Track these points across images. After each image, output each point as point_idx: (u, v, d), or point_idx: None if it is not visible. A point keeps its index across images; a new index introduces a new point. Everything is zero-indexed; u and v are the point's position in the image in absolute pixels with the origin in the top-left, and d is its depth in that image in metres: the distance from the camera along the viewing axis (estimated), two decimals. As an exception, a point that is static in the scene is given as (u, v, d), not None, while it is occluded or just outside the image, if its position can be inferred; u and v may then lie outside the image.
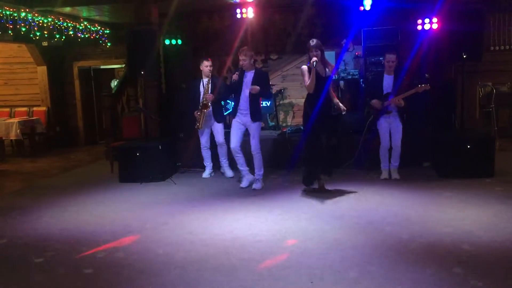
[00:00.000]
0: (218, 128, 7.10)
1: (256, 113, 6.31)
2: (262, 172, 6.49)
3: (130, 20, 8.48)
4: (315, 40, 5.71)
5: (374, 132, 6.72)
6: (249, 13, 8.50)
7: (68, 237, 4.77)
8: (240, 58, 6.26)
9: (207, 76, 6.96)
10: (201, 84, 7.00)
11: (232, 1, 8.63)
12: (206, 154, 7.22)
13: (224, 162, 7.23)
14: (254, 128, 6.34)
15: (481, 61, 6.89)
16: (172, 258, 4.09)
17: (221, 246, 4.31)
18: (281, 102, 9.70)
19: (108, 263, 4.05)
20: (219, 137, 7.09)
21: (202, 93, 6.95)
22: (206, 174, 7.27)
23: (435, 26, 7.88)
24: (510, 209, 4.99)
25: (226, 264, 3.91)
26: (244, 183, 6.56)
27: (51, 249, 4.43)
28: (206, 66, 6.94)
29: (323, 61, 5.76)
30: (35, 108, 11.16)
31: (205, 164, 7.28)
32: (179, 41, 9.01)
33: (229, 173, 7.21)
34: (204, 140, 7.14)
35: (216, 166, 7.39)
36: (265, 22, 9.75)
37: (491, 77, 8.99)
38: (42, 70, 11.15)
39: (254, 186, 6.45)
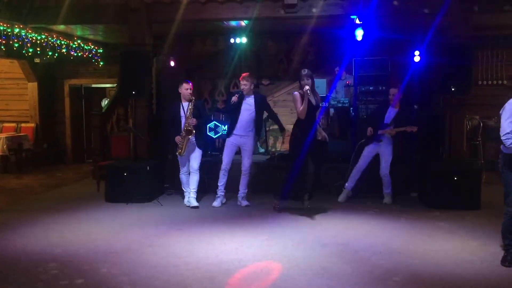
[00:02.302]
0: (197, 154, 6.74)
1: (258, 133, 7.01)
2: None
3: (124, 40, 8.50)
4: (306, 70, 6.15)
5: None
6: (243, 38, 8.61)
7: (50, 257, 4.67)
8: (242, 83, 6.62)
9: (187, 100, 6.64)
10: (181, 108, 6.67)
11: (226, 26, 8.73)
12: (186, 179, 6.87)
13: (193, 191, 6.78)
14: (250, 149, 6.75)
15: (469, 94, 7.03)
16: (156, 281, 4.02)
17: (205, 270, 4.25)
18: (271, 127, 9.74)
19: (90, 285, 3.97)
20: (195, 164, 6.72)
21: (183, 118, 6.63)
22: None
23: (425, 58, 8.03)
24: (495, 242, 4.99)
25: (210, 289, 3.86)
26: (217, 203, 6.77)
27: (31, 269, 4.33)
28: (186, 89, 6.61)
29: (313, 89, 6.14)
30: (23, 124, 11.07)
31: (185, 190, 6.94)
32: (172, 63, 9.06)
33: (194, 202, 6.73)
34: (185, 167, 6.82)
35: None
36: (258, 48, 9.87)
37: (479, 111, 9.13)
38: (33, 86, 11.11)
39: (243, 203, 6.81)
